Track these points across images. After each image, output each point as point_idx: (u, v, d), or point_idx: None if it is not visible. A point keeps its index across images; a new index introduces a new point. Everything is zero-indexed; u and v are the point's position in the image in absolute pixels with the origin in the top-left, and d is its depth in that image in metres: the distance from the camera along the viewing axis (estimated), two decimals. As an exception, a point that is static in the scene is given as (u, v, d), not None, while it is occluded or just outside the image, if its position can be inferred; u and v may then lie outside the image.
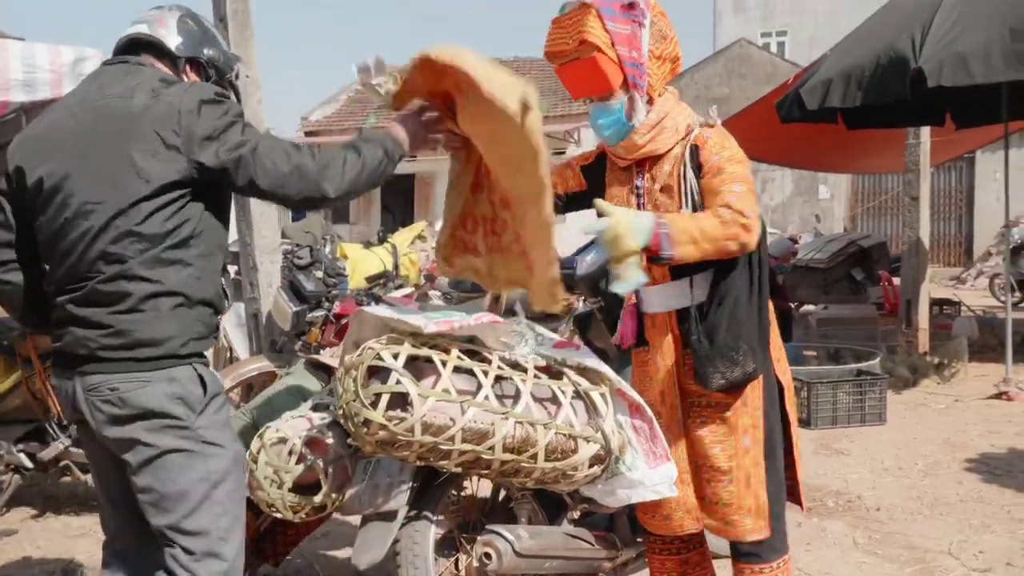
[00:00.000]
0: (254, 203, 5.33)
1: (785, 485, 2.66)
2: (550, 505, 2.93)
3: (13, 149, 2.29)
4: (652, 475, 2.56)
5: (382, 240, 6.50)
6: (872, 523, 4.34)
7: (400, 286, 5.11)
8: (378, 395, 2.28)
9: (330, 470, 2.62)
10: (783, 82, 8.76)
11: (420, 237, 6.88)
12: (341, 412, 2.37)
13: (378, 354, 2.32)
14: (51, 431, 4.34)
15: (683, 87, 22.51)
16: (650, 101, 2.53)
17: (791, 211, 21.76)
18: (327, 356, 3.76)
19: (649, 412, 2.57)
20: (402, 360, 2.32)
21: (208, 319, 2.27)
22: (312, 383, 3.43)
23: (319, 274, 4.89)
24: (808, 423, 6.19)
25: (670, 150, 2.53)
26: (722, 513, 2.58)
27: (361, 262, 6.11)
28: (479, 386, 2.40)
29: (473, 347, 2.50)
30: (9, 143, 2.32)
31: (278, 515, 2.65)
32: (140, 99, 2.19)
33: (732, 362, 2.44)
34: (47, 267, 2.23)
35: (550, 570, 2.76)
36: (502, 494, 2.99)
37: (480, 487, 3.06)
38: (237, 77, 2.58)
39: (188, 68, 2.42)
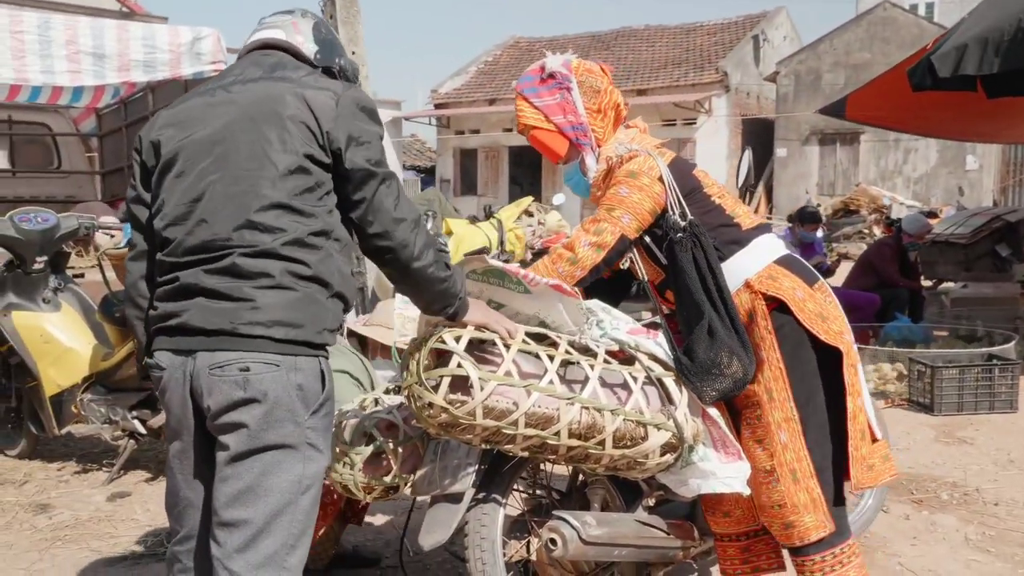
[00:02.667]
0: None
1: (831, 463, 2.53)
2: (626, 490, 2.88)
3: (148, 127, 2.24)
4: (725, 468, 2.49)
5: (488, 215, 6.50)
6: (988, 518, 4.09)
7: (506, 261, 5.10)
8: (441, 378, 2.28)
9: (400, 451, 2.65)
10: (923, 47, 8.25)
11: (527, 212, 6.80)
12: (407, 394, 2.38)
13: (441, 337, 2.31)
14: (162, 399, 4.55)
15: (821, 53, 21.67)
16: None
17: (935, 183, 20.68)
18: (358, 323, 3.70)
19: (714, 414, 2.51)
20: (464, 343, 2.30)
21: (340, 315, 2.21)
22: (346, 359, 3.42)
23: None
24: (931, 408, 5.89)
25: None
26: (779, 516, 2.52)
27: (466, 238, 6.08)
28: (545, 370, 2.37)
29: (541, 331, 2.46)
30: (140, 120, 2.31)
31: (350, 495, 2.69)
32: (295, 79, 2.17)
33: (719, 375, 2.43)
34: (174, 237, 2.12)
35: (620, 557, 2.72)
36: (579, 478, 2.95)
37: (556, 471, 3.02)
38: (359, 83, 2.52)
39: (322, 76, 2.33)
